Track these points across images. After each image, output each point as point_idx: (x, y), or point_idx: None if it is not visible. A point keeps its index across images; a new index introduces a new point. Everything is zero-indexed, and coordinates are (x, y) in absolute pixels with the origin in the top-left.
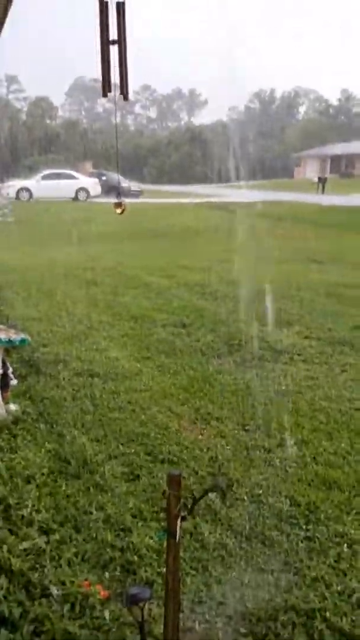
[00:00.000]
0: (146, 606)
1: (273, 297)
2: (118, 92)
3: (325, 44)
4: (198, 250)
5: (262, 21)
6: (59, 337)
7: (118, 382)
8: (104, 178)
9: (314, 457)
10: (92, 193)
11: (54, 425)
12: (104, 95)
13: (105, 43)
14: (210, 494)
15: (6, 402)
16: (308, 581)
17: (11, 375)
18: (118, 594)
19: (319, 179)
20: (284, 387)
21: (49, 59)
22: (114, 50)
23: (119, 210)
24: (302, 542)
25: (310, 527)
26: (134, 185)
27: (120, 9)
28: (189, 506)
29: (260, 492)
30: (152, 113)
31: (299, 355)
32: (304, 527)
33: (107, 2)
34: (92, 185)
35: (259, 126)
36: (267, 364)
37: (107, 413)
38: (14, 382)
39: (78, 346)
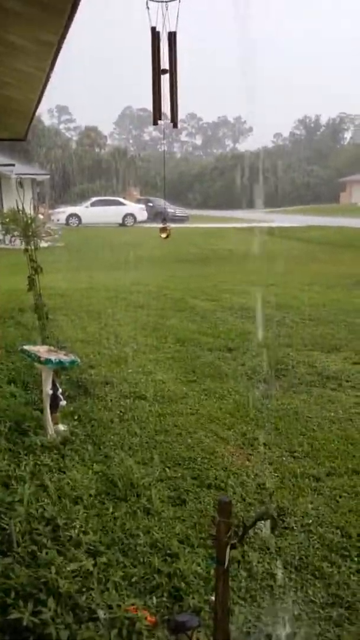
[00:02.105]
0: (194, 635)
1: (320, 321)
2: (166, 120)
3: None
4: (243, 275)
5: (307, 48)
6: (107, 359)
7: (164, 405)
8: (150, 204)
9: None
10: (138, 218)
11: (102, 447)
12: (155, 123)
13: (156, 72)
14: (258, 522)
15: (55, 423)
16: None
17: (60, 396)
18: (165, 621)
19: None
20: (332, 414)
21: (98, 89)
22: (164, 79)
23: (164, 235)
24: (354, 575)
25: None
26: (180, 211)
27: (172, 38)
28: (239, 534)
29: (310, 521)
30: (198, 140)
31: (347, 381)
32: (355, 559)
33: (159, 32)
34: (139, 211)
35: (304, 152)
36: (315, 390)
37: (154, 436)
38: (63, 403)
39: (125, 368)
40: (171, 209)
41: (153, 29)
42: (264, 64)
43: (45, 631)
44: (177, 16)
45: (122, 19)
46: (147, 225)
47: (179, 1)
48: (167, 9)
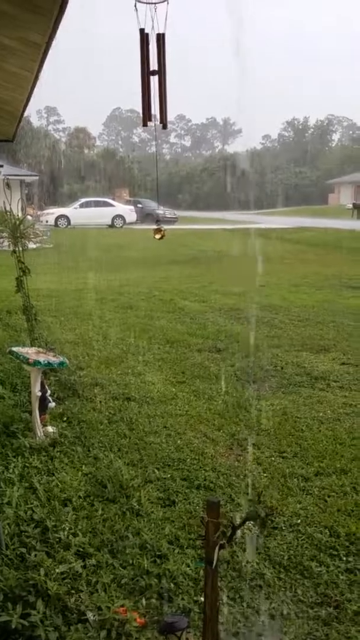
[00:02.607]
0: (183, 635)
1: (309, 322)
2: (155, 121)
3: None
4: (232, 276)
5: (296, 49)
6: (96, 360)
7: (153, 406)
8: (139, 205)
9: (354, 487)
10: (127, 220)
11: (91, 448)
12: (144, 124)
13: (145, 73)
14: (247, 522)
15: (44, 425)
16: (349, 615)
17: (49, 398)
18: (154, 622)
19: (354, 205)
20: (321, 414)
21: (86, 90)
22: (153, 80)
23: (158, 236)
24: (342, 574)
25: (350, 558)
26: (169, 212)
27: (161, 40)
28: (227, 534)
29: (299, 521)
30: (187, 142)
31: (335, 381)
32: (344, 558)
33: (147, 34)
34: (128, 212)
35: (293, 154)
36: (304, 390)
37: (143, 437)
38: (52, 404)
39: (114, 370)
40: (160, 210)
41: (141, 31)
42: (254, 64)
43: (34, 633)
44: (166, 18)
45: (111, 21)
46: (137, 226)
47: (168, 3)
48: (155, 11)
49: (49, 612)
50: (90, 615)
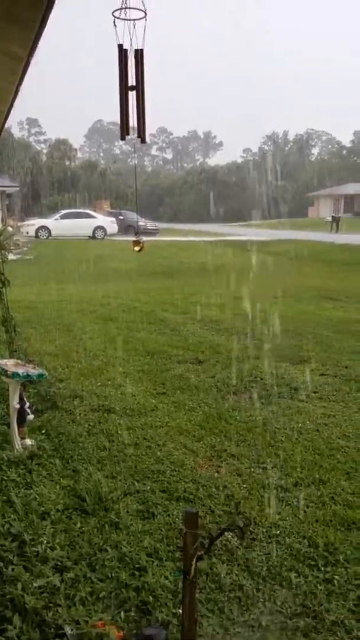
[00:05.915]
0: None
1: (288, 334)
2: (136, 134)
3: (338, 86)
4: (212, 288)
5: (277, 64)
6: (76, 372)
7: (133, 418)
8: (121, 217)
9: (332, 497)
10: (109, 231)
11: (70, 461)
12: (122, 138)
13: (124, 88)
14: (226, 534)
15: (22, 437)
16: (327, 625)
17: (28, 410)
18: (133, 635)
19: (333, 218)
20: (300, 425)
21: (68, 102)
22: (132, 95)
23: (137, 248)
24: (320, 584)
25: (329, 569)
26: (150, 224)
27: (139, 56)
28: (206, 545)
29: (278, 532)
30: (169, 155)
31: (315, 392)
32: (322, 568)
33: (126, 50)
34: (109, 224)
35: (272, 167)
36: (283, 401)
37: (123, 449)
38: (30, 417)
39: (94, 381)
40: (141, 222)
41: (120, 47)
42: (236, 78)
43: None
44: (144, 33)
45: (93, 34)
46: (118, 238)
47: (146, 20)
48: (134, 27)
49: (26, 627)
50: (68, 630)
